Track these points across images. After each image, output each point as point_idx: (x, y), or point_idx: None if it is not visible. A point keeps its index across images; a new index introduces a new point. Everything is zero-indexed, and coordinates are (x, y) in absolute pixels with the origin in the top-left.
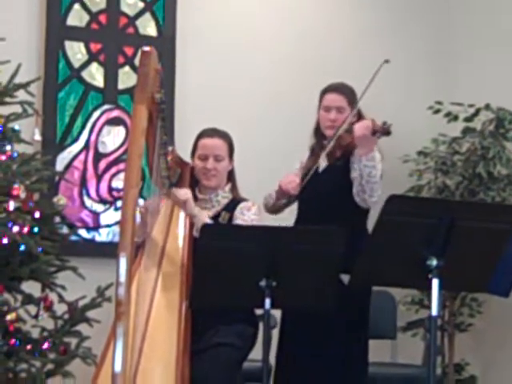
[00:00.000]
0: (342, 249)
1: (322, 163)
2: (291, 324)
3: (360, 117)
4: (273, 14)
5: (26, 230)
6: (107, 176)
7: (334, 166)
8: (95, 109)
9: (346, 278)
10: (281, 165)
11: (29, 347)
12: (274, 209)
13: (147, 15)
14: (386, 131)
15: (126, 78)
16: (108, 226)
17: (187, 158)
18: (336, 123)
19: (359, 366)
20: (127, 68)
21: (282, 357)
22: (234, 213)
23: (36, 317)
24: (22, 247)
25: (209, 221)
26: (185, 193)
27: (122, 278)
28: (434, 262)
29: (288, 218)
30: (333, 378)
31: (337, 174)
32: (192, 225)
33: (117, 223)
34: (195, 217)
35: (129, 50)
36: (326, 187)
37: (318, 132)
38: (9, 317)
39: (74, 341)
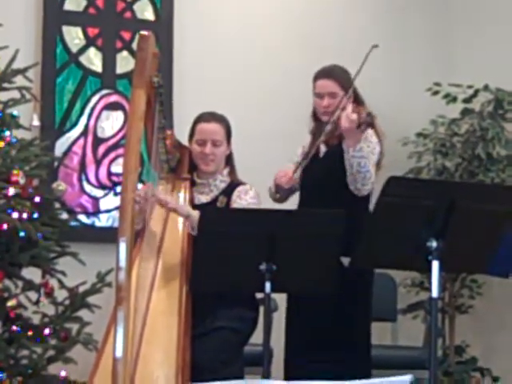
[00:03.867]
0: (342, 231)
1: (322, 148)
2: (296, 309)
3: (356, 98)
4: None
5: (25, 216)
6: (106, 161)
7: (333, 152)
8: (93, 94)
9: (346, 260)
10: (279, 148)
11: (30, 333)
12: (276, 201)
13: None
14: (370, 123)
15: (124, 63)
16: (108, 211)
17: (186, 141)
18: (330, 108)
19: (363, 347)
20: (125, 52)
21: (288, 343)
22: (232, 197)
23: (37, 303)
24: (22, 233)
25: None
26: (170, 201)
27: (122, 263)
28: (434, 244)
29: (289, 202)
30: (336, 361)
31: (336, 160)
32: None
33: (116, 208)
34: (189, 216)
35: (126, 35)
36: (326, 172)
37: (316, 116)
38: (9, 303)
39: (74, 327)
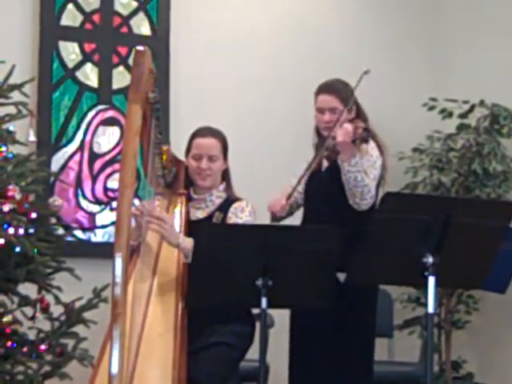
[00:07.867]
0: (338, 247)
1: (324, 163)
2: (300, 325)
3: (359, 112)
4: (267, 12)
5: (21, 231)
6: (102, 176)
7: (334, 166)
8: (90, 109)
9: (342, 276)
10: (276, 163)
11: (25, 349)
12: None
13: (141, 15)
14: (364, 139)
15: (121, 78)
16: (103, 226)
17: (183, 156)
18: (330, 124)
19: (365, 362)
20: (121, 68)
21: (294, 359)
22: (228, 213)
23: (32, 318)
24: (18, 249)
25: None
26: (163, 227)
27: (118, 279)
28: (430, 259)
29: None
30: (339, 374)
31: (337, 174)
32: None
33: (112, 224)
34: (179, 246)
35: (123, 50)
36: (328, 187)
37: (318, 131)
38: (5, 319)
39: (70, 342)
